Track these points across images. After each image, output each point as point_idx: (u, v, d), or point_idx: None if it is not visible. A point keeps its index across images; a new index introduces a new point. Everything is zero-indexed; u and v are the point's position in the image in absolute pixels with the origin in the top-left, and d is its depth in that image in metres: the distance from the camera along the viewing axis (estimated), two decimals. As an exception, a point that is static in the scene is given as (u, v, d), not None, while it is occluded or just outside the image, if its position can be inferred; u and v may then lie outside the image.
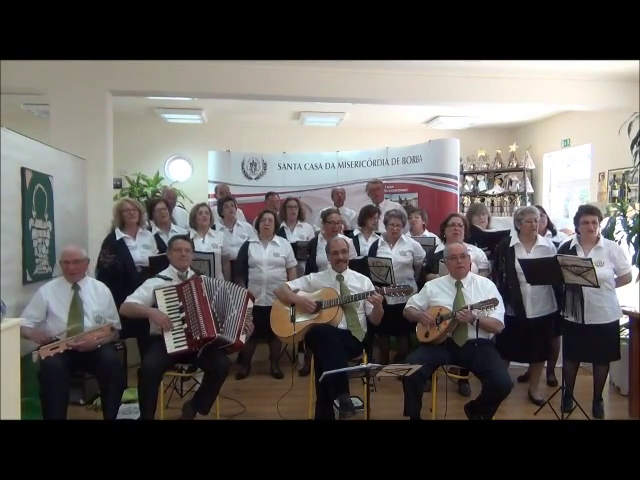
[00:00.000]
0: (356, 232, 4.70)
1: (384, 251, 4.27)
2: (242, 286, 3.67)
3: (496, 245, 3.97)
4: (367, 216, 4.64)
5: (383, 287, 3.54)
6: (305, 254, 4.56)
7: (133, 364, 4.11)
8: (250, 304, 3.44)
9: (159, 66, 5.02)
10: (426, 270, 4.09)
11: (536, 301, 3.70)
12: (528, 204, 7.52)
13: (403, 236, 4.35)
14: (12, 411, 2.37)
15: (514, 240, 3.82)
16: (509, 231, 4.05)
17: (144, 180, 7.33)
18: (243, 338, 3.33)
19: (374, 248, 4.33)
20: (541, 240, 3.80)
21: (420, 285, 3.92)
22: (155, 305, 3.24)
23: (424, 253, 4.28)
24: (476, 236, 4.18)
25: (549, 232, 4.26)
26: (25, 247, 3.51)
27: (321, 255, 4.35)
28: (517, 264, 3.70)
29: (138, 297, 3.32)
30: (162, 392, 3.31)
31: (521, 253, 3.74)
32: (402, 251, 4.26)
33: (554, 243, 3.93)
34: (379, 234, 4.55)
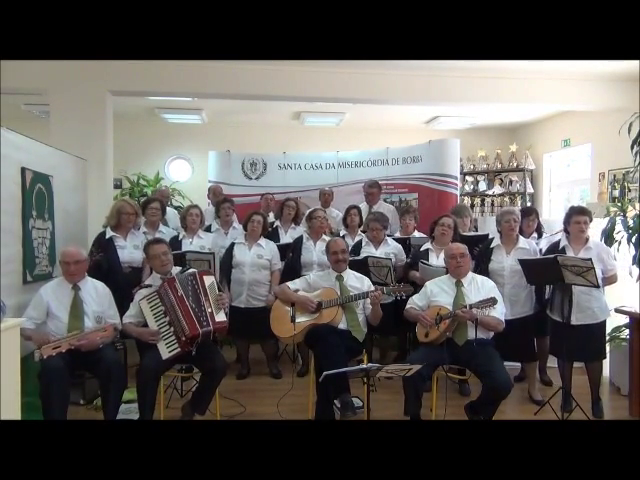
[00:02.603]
0: (342, 232, 4.72)
1: (369, 251, 4.29)
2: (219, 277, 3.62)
3: (475, 248, 3.97)
4: (346, 215, 4.68)
5: (383, 286, 3.54)
6: (287, 253, 4.49)
7: (133, 364, 4.11)
8: (208, 280, 3.32)
9: (159, 66, 5.02)
10: (409, 267, 4.16)
11: (515, 302, 3.73)
12: (528, 204, 7.53)
13: (387, 238, 4.39)
14: (12, 411, 2.37)
15: (495, 242, 3.86)
16: (488, 235, 4.10)
17: (144, 180, 7.34)
18: (222, 316, 3.26)
19: (358, 247, 4.35)
20: (522, 242, 3.81)
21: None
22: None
23: (405, 256, 4.35)
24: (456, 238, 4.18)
25: (535, 234, 4.27)
26: (25, 247, 3.51)
27: (307, 255, 4.36)
28: (492, 265, 3.76)
29: (131, 315, 3.33)
30: (162, 392, 3.31)
31: (501, 255, 3.78)
32: (386, 252, 4.28)
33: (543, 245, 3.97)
34: (365, 232, 4.57)
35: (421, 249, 4.13)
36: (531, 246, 3.85)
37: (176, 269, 3.47)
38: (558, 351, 3.64)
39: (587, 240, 3.58)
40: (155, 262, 3.40)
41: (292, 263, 4.41)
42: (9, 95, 5.28)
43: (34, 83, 5.04)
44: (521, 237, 3.86)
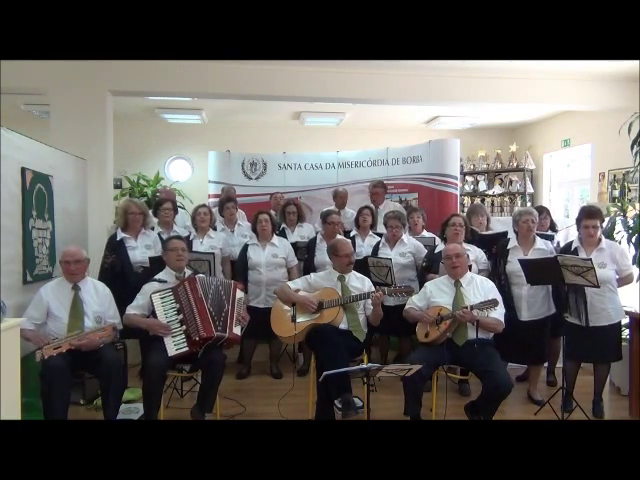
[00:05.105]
0: (353, 233, 4.71)
1: (384, 252, 4.27)
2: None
3: (493, 247, 3.96)
4: (358, 215, 4.67)
5: (384, 287, 3.54)
6: (304, 254, 4.55)
7: (133, 364, 4.11)
8: (239, 294, 3.42)
9: (159, 66, 5.02)
10: (426, 270, 4.07)
11: (532, 304, 3.70)
12: (528, 204, 7.53)
13: (404, 237, 4.33)
14: (12, 411, 2.37)
15: (512, 242, 3.82)
16: (506, 233, 4.05)
17: (144, 180, 7.33)
18: (238, 330, 3.31)
19: (376, 249, 4.33)
20: (539, 243, 3.78)
21: (422, 286, 3.92)
22: (154, 310, 3.24)
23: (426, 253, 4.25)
24: (473, 238, 4.18)
25: (549, 232, 4.26)
26: (25, 247, 3.51)
27: (320, 256, 4.35)
28: (510, 267, 3.72)
29: (137, 306, 3.32)
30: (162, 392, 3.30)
31: (519, 256, 3.72)
32: (402, 252, 4.25)
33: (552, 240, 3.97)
34: (380, 235, 4.55)
35: (435, 251, 4.09)
36: (548, 247, 3.80)
37: (188, 271, 3.50)
38: (573, 353, 3.57)
39: (599, 241, 3.55)
40: (171, 255, 3.44)
41: (307, 264, 4.44)
42: (9, 95, 5.28)
43: (34, 83, 5.03)
44: (538, 238, 3.82)
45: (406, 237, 4.37)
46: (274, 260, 4.31)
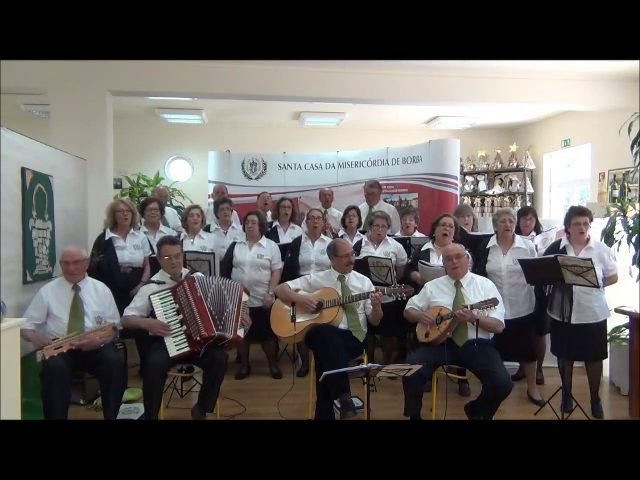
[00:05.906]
0: (341, 232, 4.73)
1: (368, 250, 4.30)
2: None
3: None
4: (344, 216, 4.69)
5: (384, 287, 3.54)
6: (286, 254, 4.50)
7: (133, 364, 4.12)
8: (245, 297, 3.44)
9: (159, 66, 5.02)
10: (410, 267, 4.14)
11: (514, 302, 3.73)
12: (528, 204, 7.53)
13: (388, 238, 4.39)
14: (12, 411, 2.37)
15: (492, 242, 3.87)
16: (493, 235, 4.08)
17: (144, 180, 7.34)
18: (241, 332, 3.32)
19: (358, 247, 4.35)
20: (518, 242, 3.81)
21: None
22: (153, 311, 3.23)
23: (406, 255, 4.34)
24: (462, 238, 4.18)
25: (533, 233, 4.26)
26: (25, 247, 3.51)
27: (305, 254, 4.37)
28: (489, 266, 3.77)
29: (135, 308, 3.32)
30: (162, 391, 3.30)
31: (498, 255, 3.79)
32: (386, 252, 4.28)
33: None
34: (363, 233, 4.58)
35: (422, 249, 4.12)
36: (528, 245, 3.85)
37: (185, 271, 3.49)
38: (558, 350, 3.64)
39: (588, 240, 3.58)
40: (165, 262, 3.41)
41: (290, 263, 4.42)
42: (9, 95, 5.28)
43: (34, 83, 5.04)
44: (517, 236, 3.86)
45: (389, 238, 4.43)
46: (258, 260, 4.28)
